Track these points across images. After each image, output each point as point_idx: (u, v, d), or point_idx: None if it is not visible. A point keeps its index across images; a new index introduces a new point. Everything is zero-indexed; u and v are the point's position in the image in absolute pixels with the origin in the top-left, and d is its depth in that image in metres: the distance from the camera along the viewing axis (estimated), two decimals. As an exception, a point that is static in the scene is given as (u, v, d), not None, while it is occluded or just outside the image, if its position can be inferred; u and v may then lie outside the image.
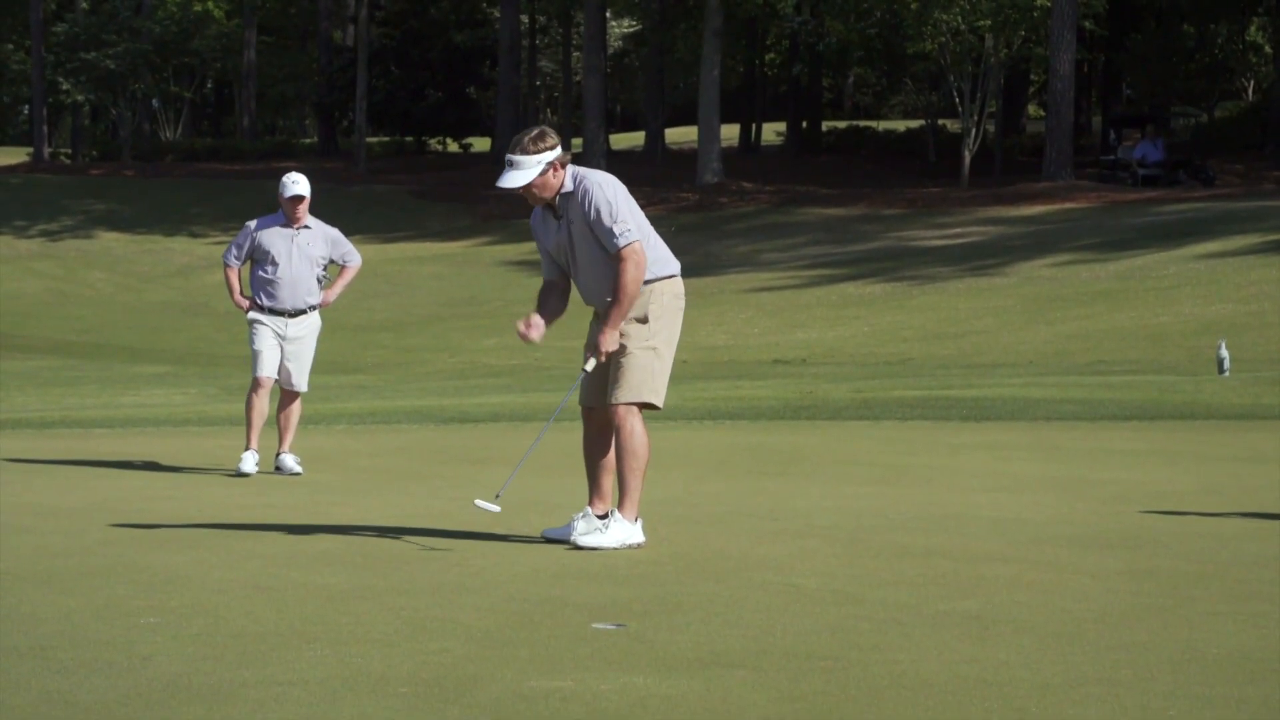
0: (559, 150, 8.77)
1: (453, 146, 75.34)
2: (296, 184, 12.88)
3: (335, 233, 13.20)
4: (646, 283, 8.71)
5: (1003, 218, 45.49)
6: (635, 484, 8.65)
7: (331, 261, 13.16)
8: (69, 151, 74.41)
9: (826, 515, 9.85)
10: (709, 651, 6.25)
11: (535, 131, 8.78)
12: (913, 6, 49.75)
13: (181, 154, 69.82)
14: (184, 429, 17.13)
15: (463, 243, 51.53)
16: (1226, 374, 22.42)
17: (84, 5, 72.91)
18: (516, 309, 34.31)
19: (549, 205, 8.82)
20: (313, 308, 13.02)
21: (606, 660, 6.13)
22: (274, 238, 12.87)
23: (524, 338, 8.78)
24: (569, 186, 8.75)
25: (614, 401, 8.69)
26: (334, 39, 75.51)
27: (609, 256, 8.64)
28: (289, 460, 12.68)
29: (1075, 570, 8.01)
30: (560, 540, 8.69)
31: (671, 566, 8.10)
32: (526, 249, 46.26)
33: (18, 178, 63.24)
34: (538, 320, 8.76)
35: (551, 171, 8.72)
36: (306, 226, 12.95)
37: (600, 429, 8.88)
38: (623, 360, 8.70)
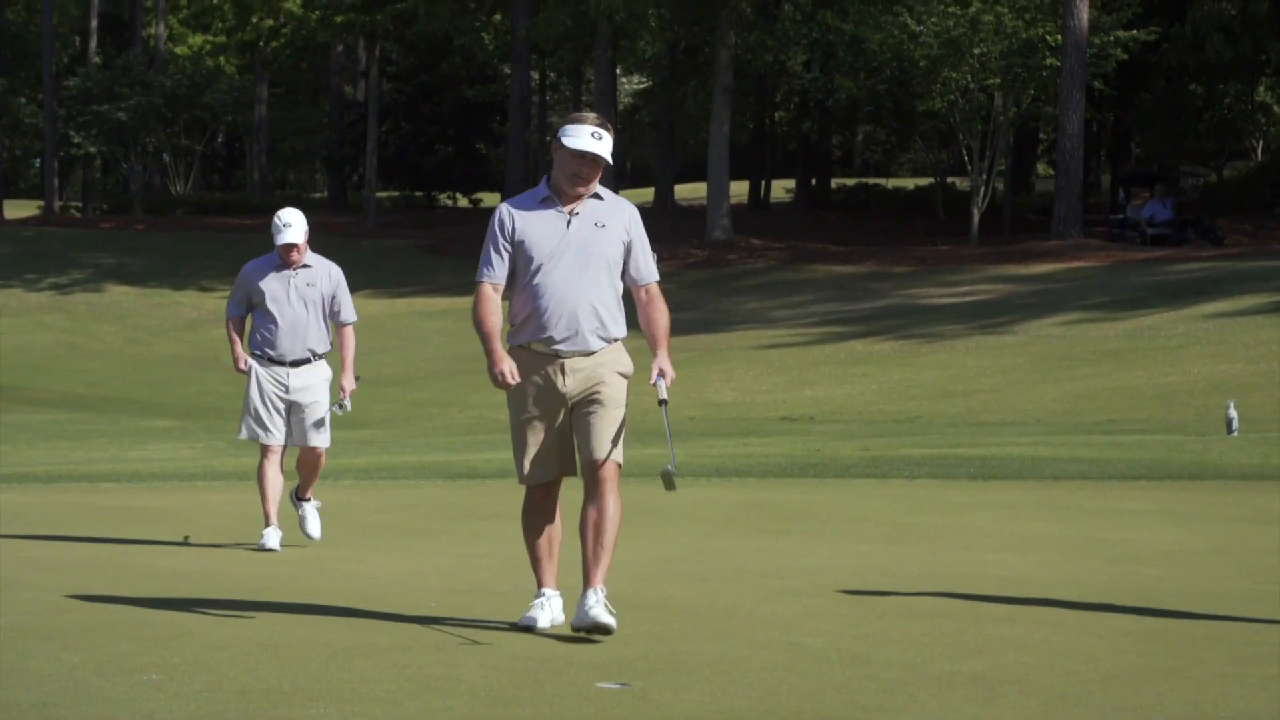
0: None
1: (462, 201, 75.54)
2: (289, 228, 11.58)
3: (338, 273, 11.86)
4: (617, 340, 7.87)
5: (1012, 276, 45.50)
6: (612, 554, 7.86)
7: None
8: (80, 205, 74.64)
9: (833, 574, 9.81)
10: (714, 711, 6.22)
11: (595, 115, 7.89)
12: (922, 64, 49.88)
13: (192, 207, 70.02)
14: (191, 483, 17.11)
15: (471, 298, 51.56)
16: (1235, 434, 22.37)
17: (96, 59, 73.26)
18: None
19: (567, 200, 7.80)
20: (319, 356, 11.73)
21: (610, 720, 6.10)
22: (269, 281, 11.68)
23: (508, 387, 7.78)
24: (601, 192, 7.91)
25: (612, 458, 7.76)
26: (345, 94, 75.81)
27: (613, 278, 7.79)
28: (310, 512, 11.66)
29: (1082, 631, 7.98)
30: (527, 629, 7.80)
31: (677, 625, 8.06)
32: (535, 304, 46.34)
33: (29, 230, 63.40)
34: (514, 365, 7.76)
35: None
36: (306, 265, 11.72)
37: (552, 500, 7.93)
38: (607, 414, 7.77)
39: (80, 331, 48.53)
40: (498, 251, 7.86)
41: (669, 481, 7.77)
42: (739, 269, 51.50)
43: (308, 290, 11.68)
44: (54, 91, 68.07)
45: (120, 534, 11.96)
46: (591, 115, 7.85)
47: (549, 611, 7.84)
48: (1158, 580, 9.71)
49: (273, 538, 11.34)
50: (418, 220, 67.98)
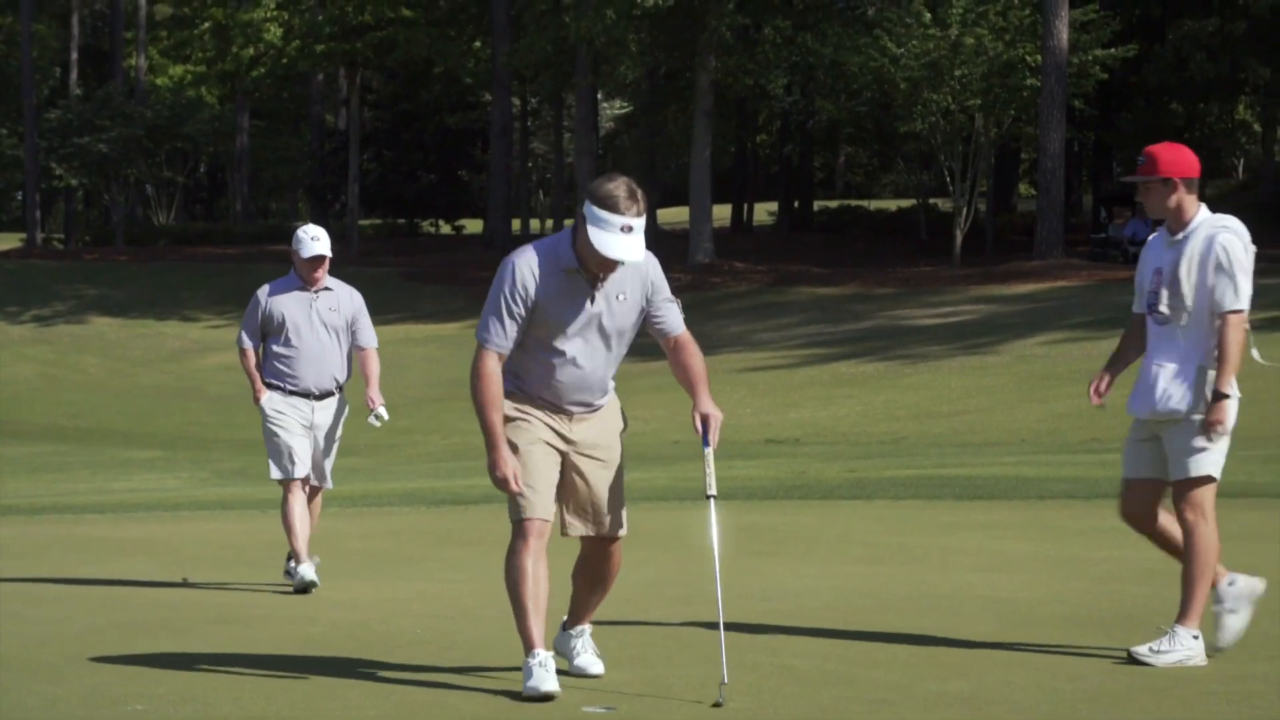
0: None
1: (445, 228, 75.56)
2: (317, 241, 10.77)
3: (359, 296, 11.11)
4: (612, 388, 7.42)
5: (995, 296, 45.55)
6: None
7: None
8: (62, 236, 74.55)
9: (819, 595, 9.80)
10: (700, 735, 6.20)
11: (627, 185, 6.99)
12: (902, 86, 49.96)
13: (174, 238, 69.95)
14: (175, 514, 17.06)
15: (455, 324, 51.52)
16: (1220, 451, 22.36)
17: (77, 91, 73.25)
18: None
19: (590, 271, 7.10)
20: (340, 388, 10.98)
21: (597, 745, 6.09)
22: (289, 305, 10.77)
23: (507, 490, 7.12)
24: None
25: (618, 534, 7.34)
26: (326, 122, 75.81)
27: (625, 346, 7.30)
28: (306, 570, 10.70)
29: (1068, 650, 7.97)
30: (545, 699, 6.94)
31: (663, 648, 8.05)
32: (519, 330, 46.32)
33: (11, 263, 63.30)
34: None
35: None
36: (327, 288, 10.90)
37: (544, 549, 7.22)
38: (616, 482, 7.32)
39: (63, 363, 48.44)
40: (511, 316, 7.06)
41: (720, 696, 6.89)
42: (722, 292, 51.53)
43: (330, 315, 10.86)
44: (35, 124, 68.01)
45: (104, 565, 11.92)
46: (623, 191, 6.94)
47: (552, 674, 6.97)
48: (1143, 598, 9.71)
49: (309, 570, 10.53)
50: (400, 247, 67.98)
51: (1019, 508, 15.90)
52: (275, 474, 10.84)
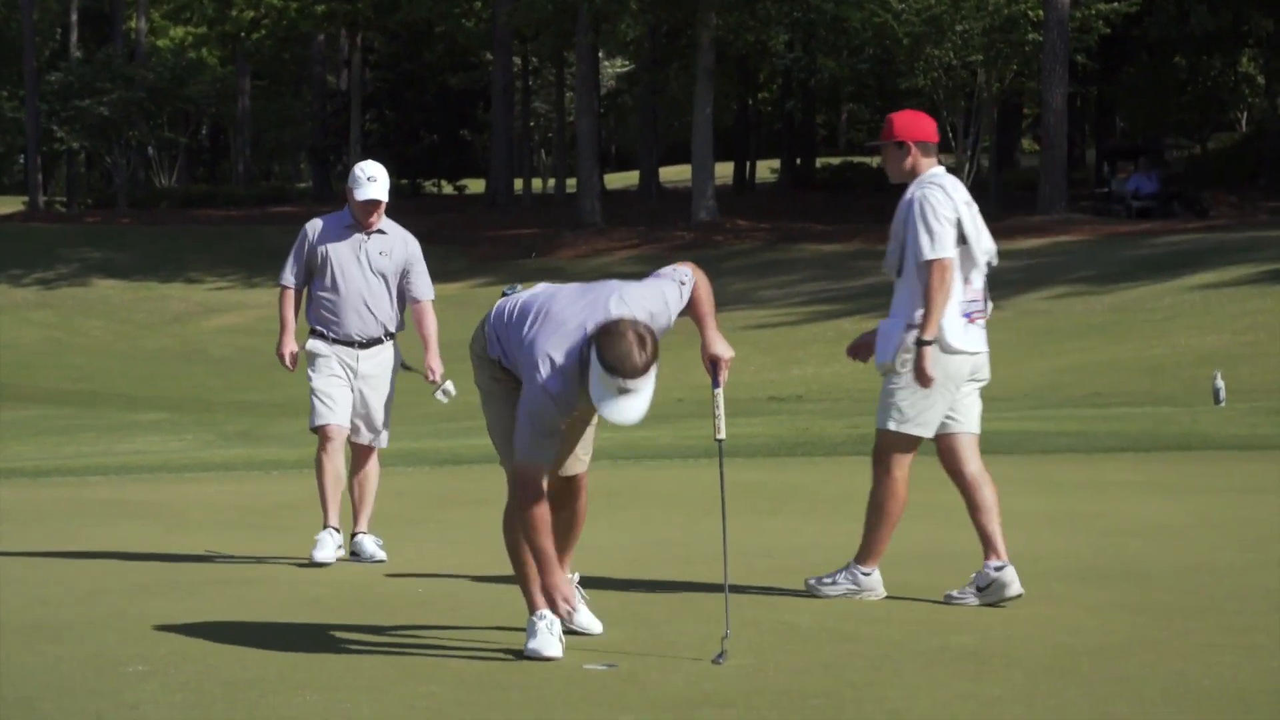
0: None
1: (448, 188, 75.47)
2: (373, 182, 9.92)
3: (415, 243, 10.29)
4: None
5: (998, 251, 45.52)
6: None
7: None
8: (64, 200, 74.51)
9: (822, 552, 9.81)
10: (700, 691, 6.21)
11: (643, 344, 6.50)
12: (904, 42, 49.83)
13: (177, 200, 69.89)
14: (180, 475, 17.08)
15: (458, 284, 51.51)
16: (1223, 405, 22.39)
17: (77, 54, 73.10)
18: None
19: None
20: (390, 335, 10.22)
21: (597, 701, 6.10)
22: (336, 244, 9.98)
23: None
24: None
25: (585, 469, 7.34)
26: (328, 83, 75.66)
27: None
28: (368, 544, 9.99)
29: (1070, 604, 7.98)
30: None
31: (664, 606, 8.06)
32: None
33: (13, 226, 63.28)
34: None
35: None
36: (381, 231, 10.11)
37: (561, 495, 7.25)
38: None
39: (67, 327, 48.45)
40: (552, 431, 6.74)
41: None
42: (725, 250, 51.47)
43: (380, 259, 10.04)
44: (35, 87, 67.92)
45: (108, 528, 11.93)
46: (637, 361, 6.47)
47: (556, 637, 6.89)
48: (1146, 552, 9.72)
49: (328, 546, 9.82)
50: (403, 208, 67.88)
51: (1022, 462, 15.90)
52: (314, 421, 9.97)
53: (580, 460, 7.30)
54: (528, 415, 6.68)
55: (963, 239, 8.37)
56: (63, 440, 24.88)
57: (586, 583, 7.81)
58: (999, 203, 54.73)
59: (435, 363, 10.33)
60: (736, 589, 8.38)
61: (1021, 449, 17.29)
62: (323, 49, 73.25)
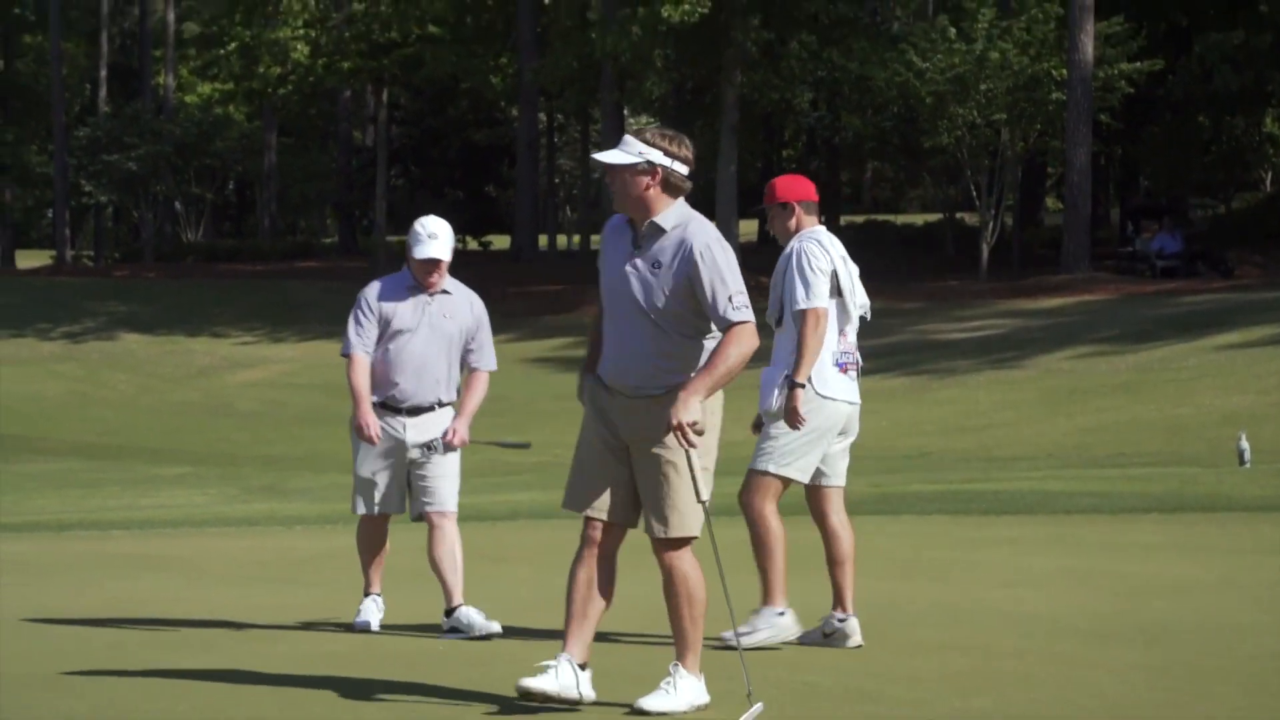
0: (674, 163, 7.03)
1: (472, 244, 75.65)
2: (435, 240, 9.30)
3: (481, 306, 9.62)
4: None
5: (1021, 310, 45.47)
6: (699, 633, 7.08)
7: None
8: (92, 253, 74.82)
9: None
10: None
11: (665, 130, 7.17)
12: (928, 100, 49.93)
13: (203, 255, 70.12)
14: (203, 529, 17.09)
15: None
16: (1247, 465, 22.31)
17: (105, 109, 73.51)
18: (539, 405, 34.36)
19: (631, 222, 7.01)
20: (444, 405, 9.47)
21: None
22: (399, 306, 9.35)
23: None
24: (667, 220, 7.11)
25: (666, 535, 6.93)
26: (354, 139, 75.99)
27: (659, 328, 6.98)
28: (474, 615, 9.26)
29: (1091, 665, 7.95)
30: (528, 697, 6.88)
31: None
32: (549, 345, 46.30)
33: (41, 280, 63.51)
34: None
35: (648, 178, 6.98)
36: (445, 291, 9.45)
37: (608, 556, 7.01)
38: (673, 475, 6.94)
39: (93, 380, 48.56)
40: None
41: None
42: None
43: (443, 322, 9.39)
44: (64, 141, 68.30)
45: (130, 581, 11.94)
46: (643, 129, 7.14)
47: (560, 676, 6.86)
48: (1168, 614, 9.67)
49: (372, 612, 9.50)
50: (428, 264, 68.03)
51: (1045, 522, 15.86)
52: (358, 508, 9.62)
53: (623, 505, 7.11)
54: None
55: (838, 291, 8.88)
56: (86, 493, 24.92)
57: (605, 636, 7.83)
58: (1022, 261, 54.74)
59: (462, 427, 9.47)
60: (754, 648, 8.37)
61: (1045, 509, 17.23)
62: (349, 105, 73.55)
